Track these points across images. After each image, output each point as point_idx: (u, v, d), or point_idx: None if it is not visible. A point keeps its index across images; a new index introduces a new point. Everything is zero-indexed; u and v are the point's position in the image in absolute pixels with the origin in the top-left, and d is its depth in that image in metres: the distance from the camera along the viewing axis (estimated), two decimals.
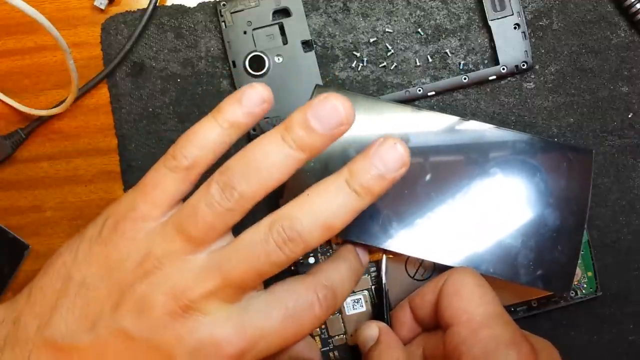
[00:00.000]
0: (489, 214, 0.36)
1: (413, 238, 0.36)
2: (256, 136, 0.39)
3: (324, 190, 0.30)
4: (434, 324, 0.34)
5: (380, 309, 0.37)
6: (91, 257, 0.31)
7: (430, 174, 0.37)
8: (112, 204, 0.32)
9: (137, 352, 0.29)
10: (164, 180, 0.31)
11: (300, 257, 0.30)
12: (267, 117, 0.39)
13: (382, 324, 0.36)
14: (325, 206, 0.29)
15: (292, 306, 0.30)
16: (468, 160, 0.37)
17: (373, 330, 0.35)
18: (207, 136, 0.31)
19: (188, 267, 0.30)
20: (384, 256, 0.37)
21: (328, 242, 0.38)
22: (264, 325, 0.30)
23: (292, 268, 0.38)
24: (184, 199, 0.31)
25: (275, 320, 0.30)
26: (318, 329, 0.38)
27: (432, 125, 0.37)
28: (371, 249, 0.37)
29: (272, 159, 0.29)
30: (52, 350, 0.30)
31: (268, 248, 0.29)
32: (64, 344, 0.29)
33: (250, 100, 0.31)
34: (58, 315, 0.30)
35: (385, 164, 0.29)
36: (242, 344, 0.29)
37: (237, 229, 0.31)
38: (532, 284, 0.36)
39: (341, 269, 0.33)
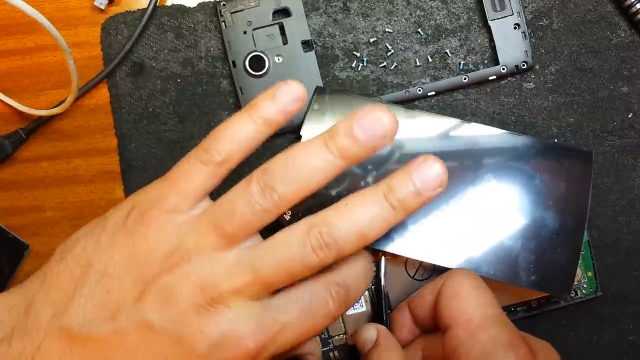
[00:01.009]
0: (489, 216, 0.36)
1: (413, 240, 0.36)
2: None
3: (362, 201, 0.30)
4: (433, 326, 0.34)
5: (380, 310, 0.37)
6: (114, 246, 0.31)
7: None
8: (138, 192, 0.32)
9: (158, 344, 0.29)
10: (195, 173, 0.31)
11: (330, 263, 0.30)
12: None
13: (381, 327, 0.36)
14: (362, 216, 0.30)
15: (308, 303, 0.31)
16: (468, 162, 0.37)
17: (371, 332, 0.35)
18: (240, 132, 0.31)
19: (219, 262, 0.30)
20: (383, 257, 0.37)
21: None
22: (282, 320, 0.30)
23: None
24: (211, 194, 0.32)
25: (292, 315, 0.30)
26: None
27: (432, 127, 0.37)
28: (372, 251, 0.37)
29: (313, 165, 0.30)
30: (67, 340, 0.29)
31: (304, 251, 0.29)
32: (81, 333, 0.29)
33: (284, 97, 0.31)
34: (76, 304, 0.30)
35: (423, 182, 0.30)
36: (263, 339, 0.29)
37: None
38: (532, 286, 0.36)
39: (355, 267, 0.34)
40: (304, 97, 0.31)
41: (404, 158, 0.37)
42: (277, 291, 0.31)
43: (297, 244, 0.29)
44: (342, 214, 0.30)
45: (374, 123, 0.29)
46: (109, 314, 0.29)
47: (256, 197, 0.30)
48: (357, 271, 0.33)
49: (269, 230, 0.31)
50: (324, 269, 0.32)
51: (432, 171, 0.30)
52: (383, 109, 0.30)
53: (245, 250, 0.30)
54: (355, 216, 0.30)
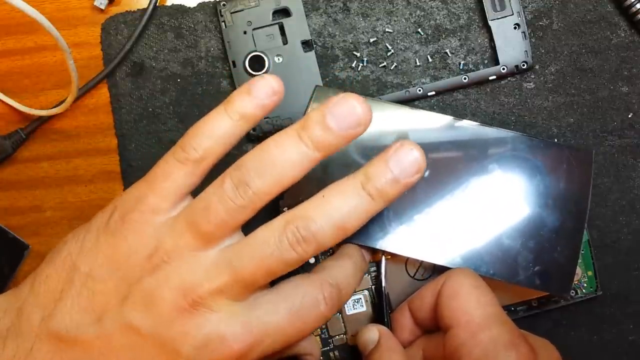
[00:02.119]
0: (489, 215, 0.36)
1: (412, 239, 0.36)
2: (255, 136, 0.39)
3: (339, 192, 0.30)
4: (434, 326, 0.34)
5: (380, 310, 0.37)
6: (98, 248, 0.30)
7: (429, 175, 0.36)
8: (121, 194, 0.32)
9: (143, 347, 0.29)
10: (173, 172, 0.31)
11: (311, 257, 0.30)
12: (267, 117, 0.39)
13: (382, 327, 0.36)
14: (340, 208, 0.29)
15: (298, 304, 0.30)
16: (467, 162, 0.37)
17: (373, 333, 0.35)
18: (217, 128, 0.30)
19: (198, 263, 0.30)
20: (383, 258, 0.37)
21: None
22: (270, 322, 0.30)
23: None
24: (193, 192, 0.31)
25: (281, 317, 0.30)
26: (318, 329, 0.38)
27: (432, 126, 0.37)
28: (371, 250, 0.37)
29: (287, 157, 0.29)
30: (56, 341, 0.29)
31: (281, 247, 0.29)
32: (69, 336, 0.29)
33: (260, 91, 0.30)
34: (63, 307, 0.30)
35: (401, 169, 0.29)
36: (248, 340, 0.29)
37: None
38: (531, 286, 0.36)
39: (346, 267, 0.33)
40: (280, 91, 0.31)
41: None
42: (269, 289, 0.31)
43: (274, 240, 0.29)
44: (319, 206, 0.29)
45: (346, 112, 0.29)
46: (94, 317, 0.30)
47: (230, 194, 0.29)
48: (348, 271, 0.33)
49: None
50: (315, 267, 0.32)
51: (410, 157, 0.30)
52: (355, 96, 0.29)
53: (224, 250, 0.30)
54: (333, 208, 0.29)
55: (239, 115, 0.30)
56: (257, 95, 0.30)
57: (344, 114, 0.29)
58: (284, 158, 0.29)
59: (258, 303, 0.30)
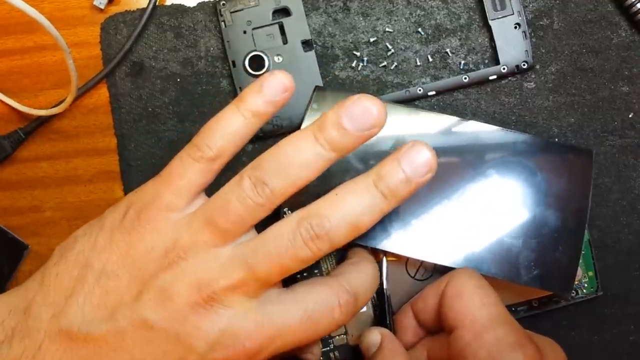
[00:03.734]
0: (490, 214, 0.36)
1: (414, 239, 0.36)
2: (256, 135, 0.39)
3: (352, 191, 0.30)
4: (438, 327, 0.34)
5: (382, 312, 0.37)
6: (112, 245, 0.31)
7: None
8: (134, 192, 0.32)
9: (156, 343, 0.29)
10: (189, 170, 0.31)
11: (325, 255, 0.30)
12: None
13: (385, 330, 0.35)
14: (353, 206, 0.29)
15: (312, 307, 0.30)
16: (469, 161, 0.37)
17: (375, 336, 0.35)
18: (230, 126, 0.31)
19: (214, 259, 0.30)
20: (384, 259, 0.37)
21: None
22: (283, 323, 0.30)
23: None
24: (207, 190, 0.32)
25: (294, 319, 0.30)
26: None
27: (433, 126, 0.37)
28: (372, 250, 0.37)
29: (303, 158, 0.30)
30: (67, 340, 0.29)
31: (295, 244, 0.29)
32: (80, 333, 0.29)
33: (271, 88, 0.31)
34: (75, 304, 0.30)
35: (412, 169, 0.30)
36: (261, 339, 0.29)
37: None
38: (533, 285, 0.36)
39: (364, 274, 0.33)
40: (291, 87, 0.31)
41: None
42: (284, 289, 0.31)
43: (288, 237, 0.29)
44: (332, 204, 0.30)
45: (362, 113, 0.29)
46: (107, 314, 0.29)
47: (248, 193, 0.30)
48: (366, 279, 0.33)
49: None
50: (334, 272, 0.32)
51: (421, 157, 0.30)
52: (370, 98, 0.29)
53: (239, 246, 0.30)
54: (346, 206, 0.29)
55: (251, 113, 0.31)
56: (268, 93, 0.31)
57: (360, 115, 0.29)
58: (301, 159, 0.30)
59: (272, 302, 0.30)
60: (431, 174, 0.30)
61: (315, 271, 0.36)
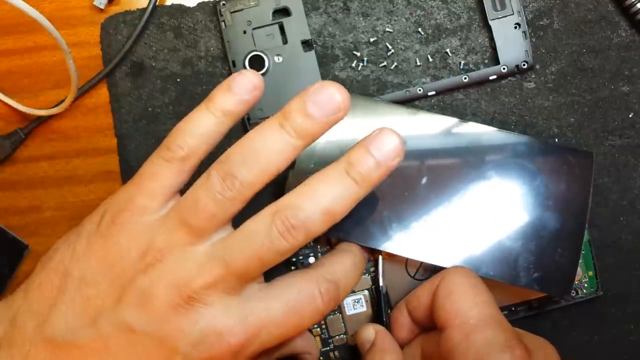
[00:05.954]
0: (489, 216, 0.36)
1: (413, 240, 0.36)
2: None
3: (323, 179, 0.30)
4: (432, 325, 0.34)
5: (379, 309, 0.37)
6: (90, 252, 0.31)
7: (429, 176, 0.36)
8: (110, 197, 0.32)
9: (140, 346, 0.29)
10: (160, 171, 0.31)
11: (302, 246, 0.30)
12: (267, 117, 0.39)
13: (379, 327, 0.36)
14: (327, 194, 0.30)
15: (294, 298, 0.31)
16: (468, 163, 0.37)
17: (369, 333, 0.35)
18: (200, 126, 0.31)
19: (190, 258, 0.30)
20: (380, 256, 0.37)
21: (329, 243, 0.38)
22: (265, 316, 0.30)
23: (293, 268, 0.37)
24: (181, 190, 0.31)
25: (276, 312, 0.30)
26: (318, 329, 0.38)
27: (432, 127, 0.37)
28: (371, 250, 0.37)
29: (271, 147, 0.30)
30: (52, 348, 0.29)
31: (271, 236, 0.29)
32: (64, 341, 0.29)
33: (240, 87, 0.31)
34: (57, 313, 0.30)
35: (381, 153, 0.30)
36: (244, 335, 0.29)
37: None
38: (532, 287, 0.36)
39: (344, 262, 0.33)
40: (260, 86, 0.31)
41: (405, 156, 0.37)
42: (265, 283, 0.31)
43: (264, 230, 0.29)
44: (305, 194, 0.30)
45: (326, 98, 0.30)
46: (89, 320, 0.30)
47: (217, 188, 0.30)
48: (347, 266, 0.33)
49: None
50: (314, 263, 0.32)
51: (389, 141, 0.30)
52: (333, 83, 0.30)
53: (216, 244, 0.30)
54: (319, 195, 0.30)
55: (221, 112, 0.31)
56: (237, 92, 0.31)
57: (324, 101, 0.30)
58: (268, 147, 0.30)
59: (253, 297, 0.30)
60: (400, 158, 0.30)
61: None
